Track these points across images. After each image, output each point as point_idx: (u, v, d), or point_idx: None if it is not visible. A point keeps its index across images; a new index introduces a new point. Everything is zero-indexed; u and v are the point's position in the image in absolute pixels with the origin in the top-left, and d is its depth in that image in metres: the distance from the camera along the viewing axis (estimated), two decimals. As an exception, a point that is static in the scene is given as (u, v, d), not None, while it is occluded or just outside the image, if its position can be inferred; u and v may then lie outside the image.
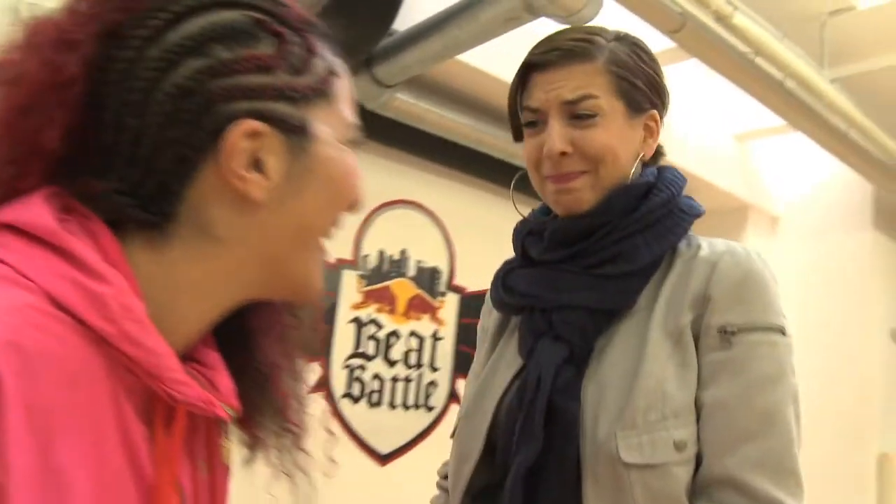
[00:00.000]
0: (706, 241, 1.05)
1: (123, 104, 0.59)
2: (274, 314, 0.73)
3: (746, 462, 0.90)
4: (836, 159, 4.42)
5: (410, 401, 3.93)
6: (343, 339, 3.74)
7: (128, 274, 0.58)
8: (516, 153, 4.08)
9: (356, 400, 3.68)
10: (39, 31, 0.59)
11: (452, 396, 4.14)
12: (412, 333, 4.00)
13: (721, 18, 2.95)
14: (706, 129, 5.87)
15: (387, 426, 3.78)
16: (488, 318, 1.24)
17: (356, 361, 3.73)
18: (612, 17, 2.91)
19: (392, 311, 3.98)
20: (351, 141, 0.69)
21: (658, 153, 1.15)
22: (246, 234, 0.63)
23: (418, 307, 4.08)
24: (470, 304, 4.27)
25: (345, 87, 0.69)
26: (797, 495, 0.91)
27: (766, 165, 6.70)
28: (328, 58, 0.67)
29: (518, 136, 1.14)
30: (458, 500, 1.08)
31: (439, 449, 4.13)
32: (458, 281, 4.25)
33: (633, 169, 1.07)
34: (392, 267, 4.11)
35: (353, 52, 3.07)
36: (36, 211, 0.56)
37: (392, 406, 3.83)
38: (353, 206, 0.70)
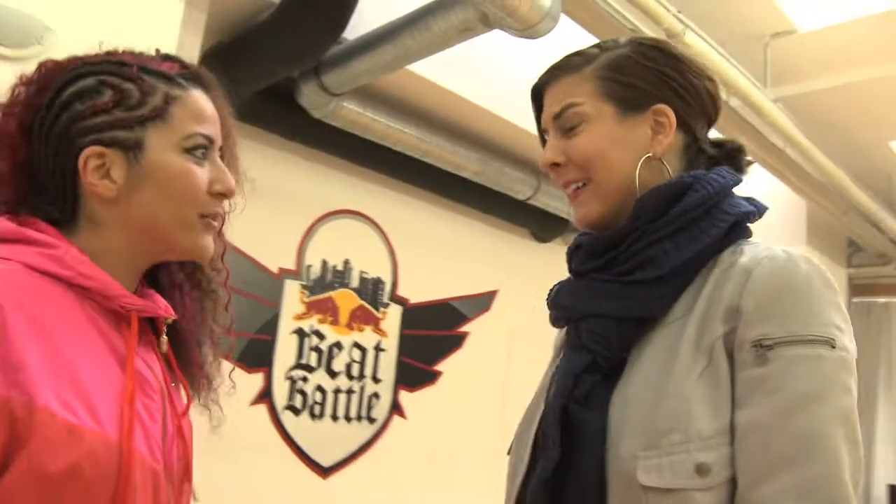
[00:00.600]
0: (751, 247, 0.97)
1: (38, 148, 0.92)
2: (183, 294, 1.03)
3: (785, 492, 0.81)
4: (774, 176, 4.52)
5: (353, 413, 3.88)
6: (285, 350, 3.68)
7: (70, 244, 0.88)
8: (462, 165, 4.09)
9: (298, 412, 3.62)
10: None
11: (395, 408, 4.10)
12: (355, 345, 3.96)
13: (672, 36, 2.99)
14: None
15: (329, 438, 3.72)
16: (557, 337, 1.20)
17: (298, 373, 3.67)
18: (567, 33, 2.94)
19: (335, 322, 3.93)
20: (194, 147, 0.93)
21: (735, 156, 1.10)
22: (115, 219, 0.92)
23: (361, 318, 4.04)
24: (413, 316, 4.24)
25: (186, 108, 0.94)
26: None
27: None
28: (167, 91, 0.93)
29: None
30: None
31: (381, 461, 4.10)
32: (402, 292, 4.22)
33: (638, 168, 1.01)
34: (335, 277, 4.06)
35: (301, 59, 3.04)
36: (1, 224, 0.88)
37: (334, 418, 3.77)
38: (222, 194, 0.96)
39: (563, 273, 1.11)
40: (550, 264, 5.51)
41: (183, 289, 1.04)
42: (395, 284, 4.18)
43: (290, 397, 3.60)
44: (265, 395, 3.51)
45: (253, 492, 3.34)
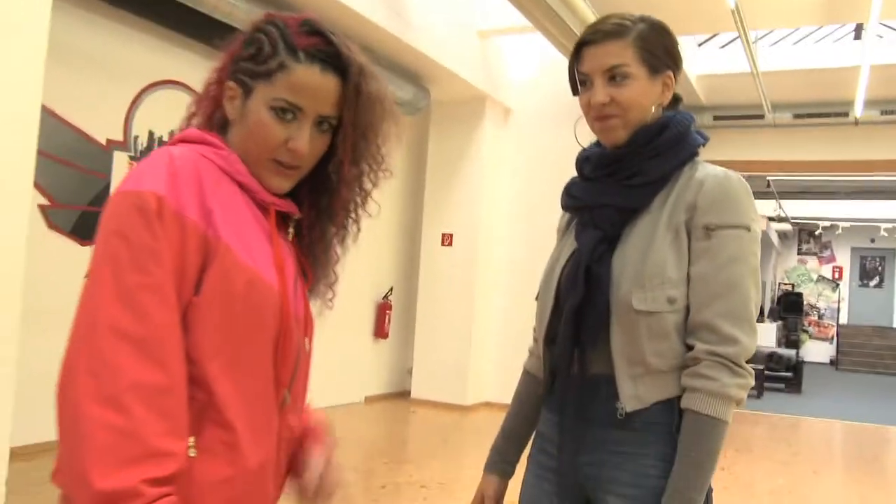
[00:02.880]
0: (703, 166, 1.50)
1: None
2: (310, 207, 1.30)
3: (716, 313, 1.37)
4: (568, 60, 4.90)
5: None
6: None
7: (231, 149, 1.19)
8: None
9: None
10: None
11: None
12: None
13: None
14: (454, 25, 6.18)
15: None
16: (561, 220, 1.73)
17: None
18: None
19: (163, 192, 3.97)
20: (277, 108, 1.18)
21: (676, 100, 1.58)
22: (236, 134, 1.21)
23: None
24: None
25: (288, 78, 1.18)
26: (750, 334, 1.38)
27: (504, 61, 7.20)
28: (283, 60, 1.18)
29: (575, 91, 1.57)
30: (542, 344, 1.57)
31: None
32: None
33: (653, 111, 1.51)
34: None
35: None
36: (191, 131, 1.22)
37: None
38: (292, 150, 1.19)
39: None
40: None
41: (308, 203, 1.31)
42: (219, 155, 4.24)
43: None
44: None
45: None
